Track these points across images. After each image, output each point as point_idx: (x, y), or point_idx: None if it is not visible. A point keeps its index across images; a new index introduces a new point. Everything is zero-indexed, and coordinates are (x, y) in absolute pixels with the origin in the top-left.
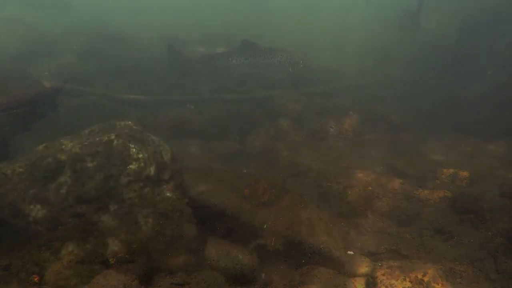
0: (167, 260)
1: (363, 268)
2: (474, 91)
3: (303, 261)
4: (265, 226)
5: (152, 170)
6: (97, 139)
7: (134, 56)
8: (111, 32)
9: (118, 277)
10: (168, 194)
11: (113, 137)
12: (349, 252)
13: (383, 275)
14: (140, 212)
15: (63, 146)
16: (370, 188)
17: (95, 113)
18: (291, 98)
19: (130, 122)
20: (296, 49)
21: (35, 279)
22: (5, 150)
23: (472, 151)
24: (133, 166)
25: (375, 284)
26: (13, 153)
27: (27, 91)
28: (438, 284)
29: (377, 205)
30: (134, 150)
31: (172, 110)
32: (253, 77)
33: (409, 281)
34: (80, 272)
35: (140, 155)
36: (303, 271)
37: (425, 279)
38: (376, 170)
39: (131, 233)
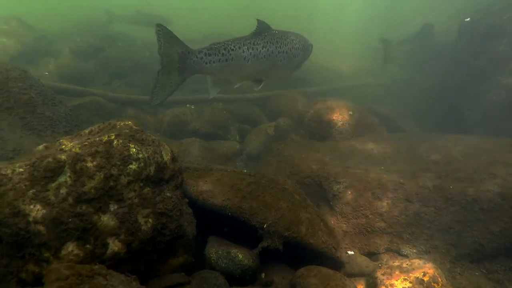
0: (167, 260)
1: (363, 268)
2: (473, 91)
3: (303, 261)
4: (265, 226)
5: (152, 170)
6: (97, 139)
7: (134, 56)
8: (111, 32)
9: (118, 277)
10: (168, 194)
11: (113, 137)
12: (349, 252)
13: (383, 275)
14: (140, 212)
15: (63, 146)
16: (370, 188)
17: (95, 113)
18: (291, 98)
19: (130, 122)
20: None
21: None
22: (5, 150)
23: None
24: (133, 166)
25: (375, 284)
26: (13, 153)
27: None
28: (438, 284)
29: (378, 205)
30: (134, 150)
31: (172, 110)
32: (267, 73)
33: (409, 281)
34: (80, 272)
35: (140, 155)
36: (303, 271)
37: (425, 279)
38: (377, 170)
39: (131, 233)
